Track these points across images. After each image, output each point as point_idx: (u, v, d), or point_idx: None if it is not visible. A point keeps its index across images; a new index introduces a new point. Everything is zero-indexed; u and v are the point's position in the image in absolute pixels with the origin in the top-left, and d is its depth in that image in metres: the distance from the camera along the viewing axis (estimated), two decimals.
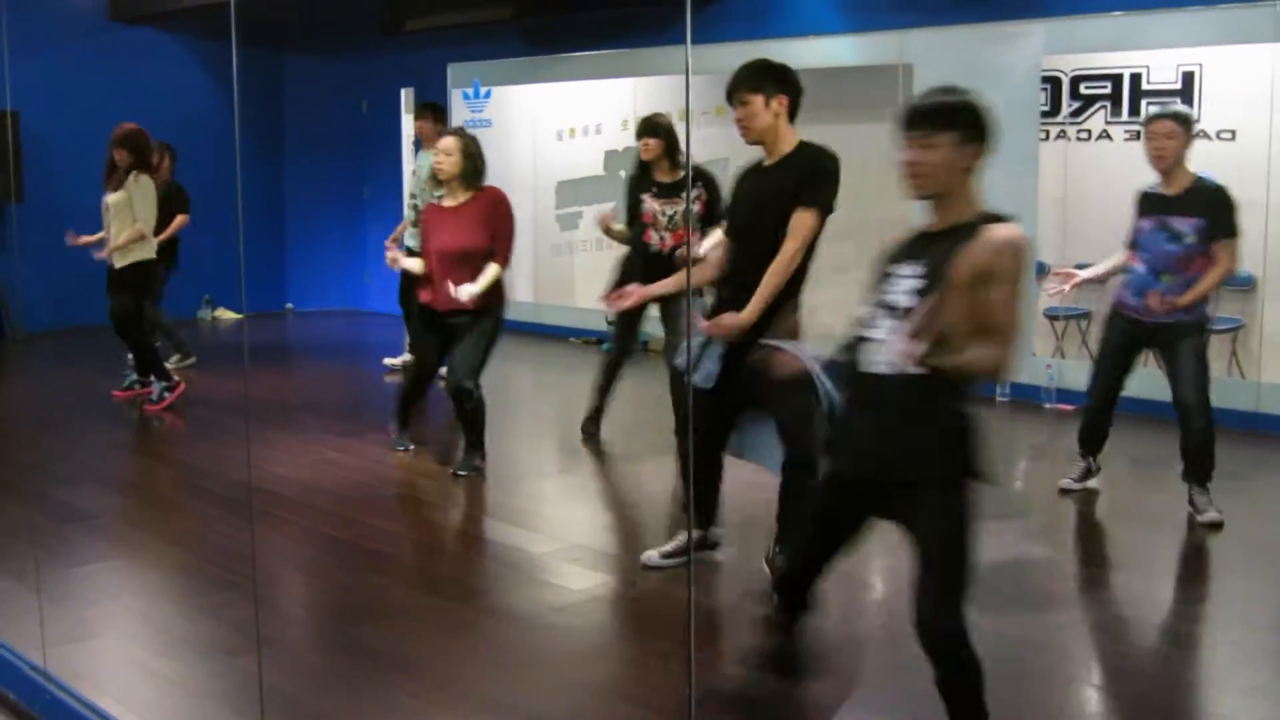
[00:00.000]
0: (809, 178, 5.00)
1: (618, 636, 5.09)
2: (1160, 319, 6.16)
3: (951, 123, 3.49)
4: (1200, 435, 6.28)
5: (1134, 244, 6.31)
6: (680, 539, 5.56)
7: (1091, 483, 6.80)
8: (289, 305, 14.90)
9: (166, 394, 8.91)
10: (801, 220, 4.98)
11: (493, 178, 7.14)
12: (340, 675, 4.45)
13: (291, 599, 5.40)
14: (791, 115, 5.11)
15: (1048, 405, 8.96)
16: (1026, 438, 8.49)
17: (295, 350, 12.71)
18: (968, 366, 3.37)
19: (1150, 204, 6.25)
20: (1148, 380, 7.22)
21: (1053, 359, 9.36)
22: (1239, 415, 8.36)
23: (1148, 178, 6.29)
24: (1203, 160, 7.93)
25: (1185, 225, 6.09)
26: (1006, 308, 3.37)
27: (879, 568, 5.51)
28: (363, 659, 4.56)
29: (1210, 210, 6.09)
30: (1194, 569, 5.94)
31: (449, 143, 6.93)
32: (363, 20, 13.65)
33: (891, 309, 3.49)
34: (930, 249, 3.49)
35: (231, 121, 11.27)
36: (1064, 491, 6.79)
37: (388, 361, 10.73)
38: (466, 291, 6.78)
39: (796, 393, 4.76)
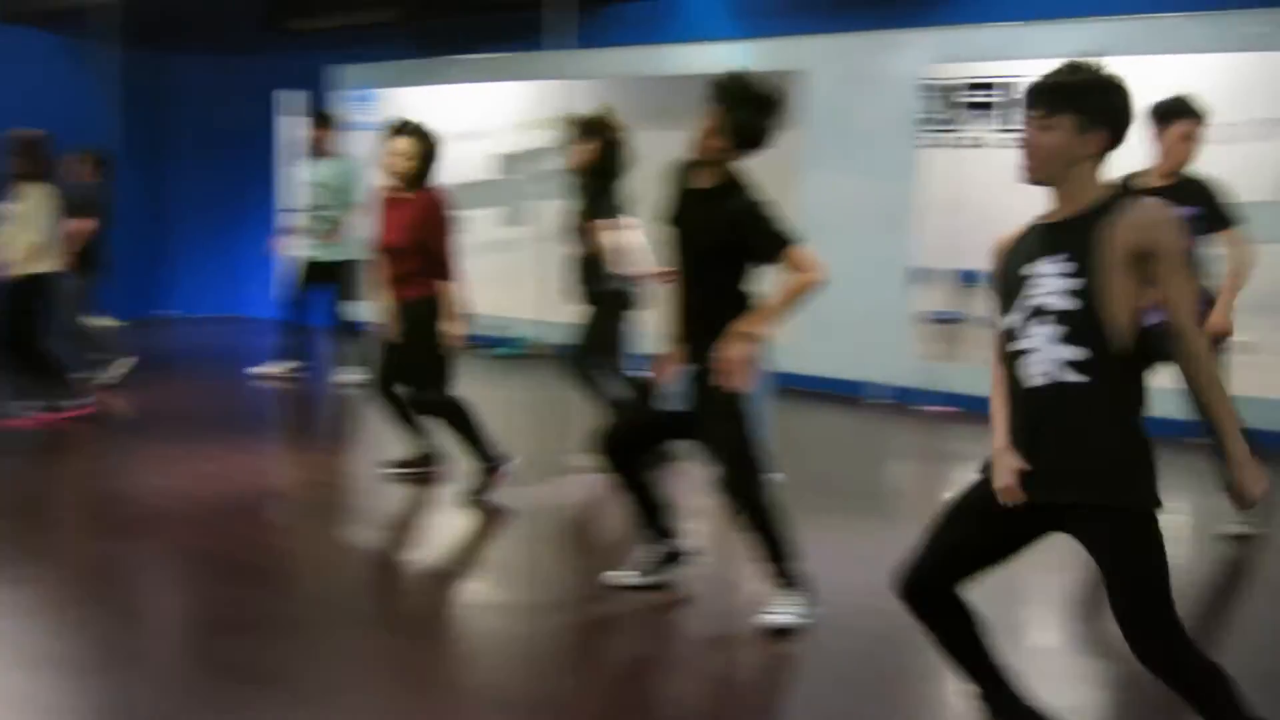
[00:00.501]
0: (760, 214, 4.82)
1: (498, 646, 5.01)
2: None
3: (1073, 104, 3.18)
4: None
5: None
6: (643, 557, 5.35)
7: None
8: (170, 311, 14.57)
9: (54, 410, 8.52)
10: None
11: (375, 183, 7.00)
12: (207, 690, 4.29)
13: (161, 613, 5.23)
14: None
15: (928, 409, 9.07)
16: (903, 439, 8.57)
17: (176, 357, 12.41)
18: (1199, 358, 3.14)
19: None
20: None
21: (936, 363, 9.44)
22: None
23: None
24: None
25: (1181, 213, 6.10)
26: (1185, 288, 3.13)
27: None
28: (231, 673, 4.41)
29: (1205, 200, 6.05)
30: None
31: (405, 145, 6.74)
32: (250, 22, 13.42)
33: (1042, 313, 3.20)
34: (1069, 239, 3.19)
35: (109, 122, 11.01)
36: None
37: (256, 370, 10.49)
38: (452, 332, 6.67)
39: (730, 416, 4.74)
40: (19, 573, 5.63)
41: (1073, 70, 3.21)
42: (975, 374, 7.54)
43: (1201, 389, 3.17)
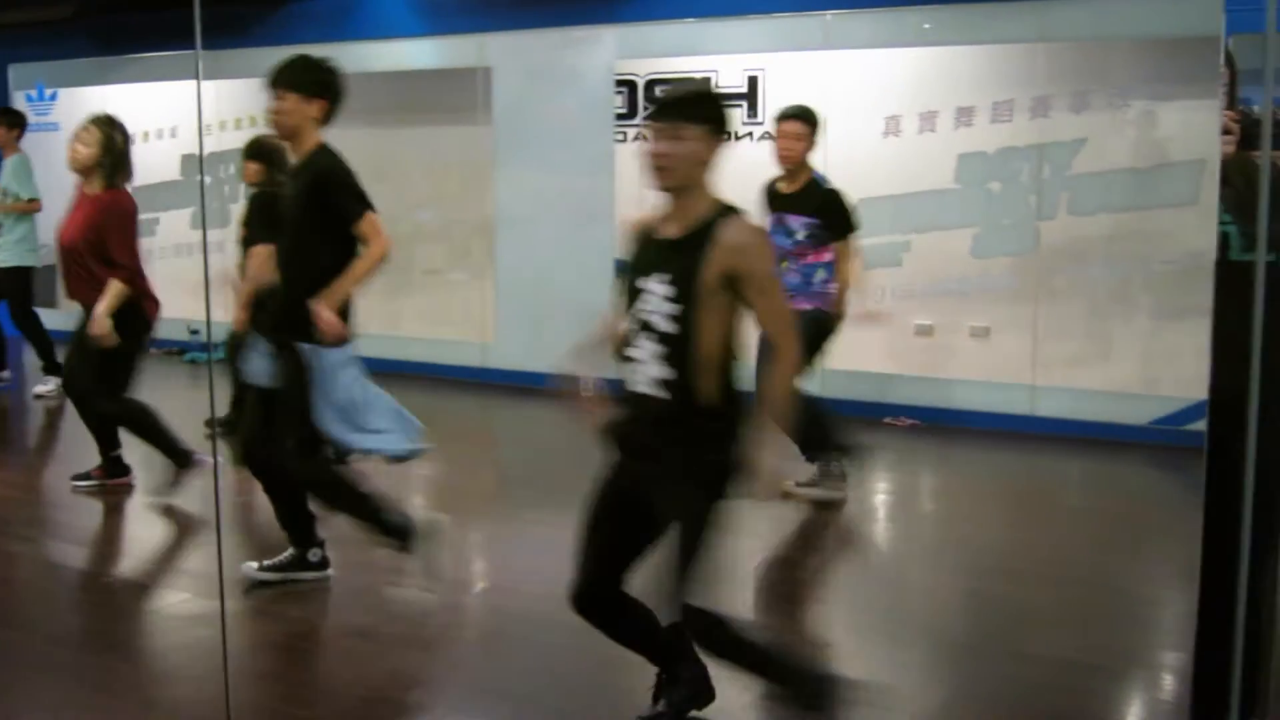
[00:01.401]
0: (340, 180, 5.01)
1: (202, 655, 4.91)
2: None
3: (700, 114, 3.46)
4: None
5: None
6: (284, 555, 5.40)
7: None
8: None
9: None
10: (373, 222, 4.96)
11: (62, 183, 6.71)
12: None
13: None
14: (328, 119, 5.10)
15: None
16: None
17: None
18: (786, 384, 3.48)
19: (771, 201, 6.60)
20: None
21: None
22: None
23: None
24: (768, 160, 8.36)
25: (796, 223, 6.45)
26: (774, 306, 3.47)
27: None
28: None
29: (828, 210, 6.48)
30: (766, 550, 6.21)
31: (90, 131, 6.52)
32: None
33: (648, 328, 3.47)
34: (674, 260, 3.45)
35: None
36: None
37: (40, 390, 9.81)
38: (100, 329, 6.35)
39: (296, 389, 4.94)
40: None
41: (694, 85, 3.64)
42: None
43: (778, 397, 3.50)
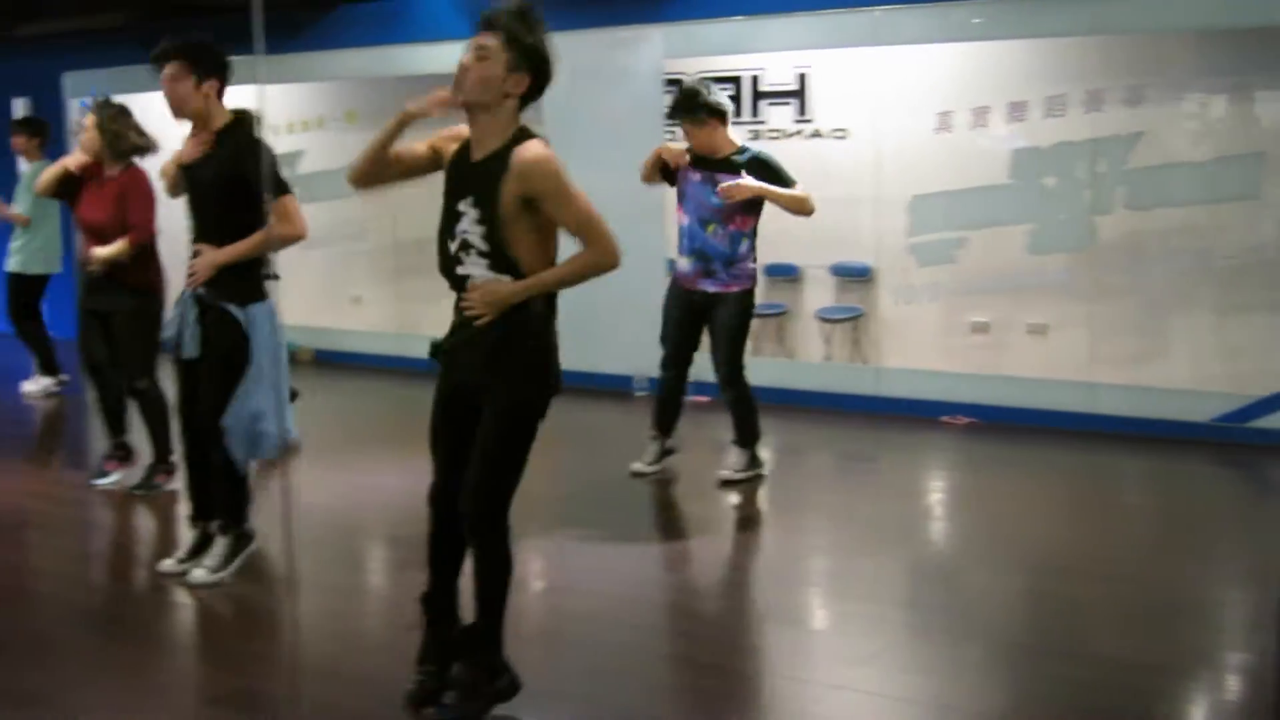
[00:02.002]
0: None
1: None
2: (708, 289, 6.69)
3: (502, 27, 3.73)
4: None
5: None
6: (192, 542, 5.59)
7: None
8: None
9: None
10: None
11: None
12: None
13: None
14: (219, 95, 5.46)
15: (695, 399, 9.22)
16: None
17: None
18: (578, 278, 3.80)
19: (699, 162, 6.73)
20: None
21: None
22: (861, 399, 8.83)
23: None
24: (818, 158, 8.34)
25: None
26: (576, 211, 3.74)
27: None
28: None
29: (757, 169, 6.60)
30: (825, 546, 6.18)
31: (88, 118, 6.87)
32: None
33: (468, 246, 3.76)
34: (477, 184, 3.73)
35: None
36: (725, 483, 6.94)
37: (27, 388, 10.05)
38: (97, 255, 6.53)
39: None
40: None
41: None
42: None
43: (565, 271, 3.83)
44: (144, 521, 6.67)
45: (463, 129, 3.87)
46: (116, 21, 11.89)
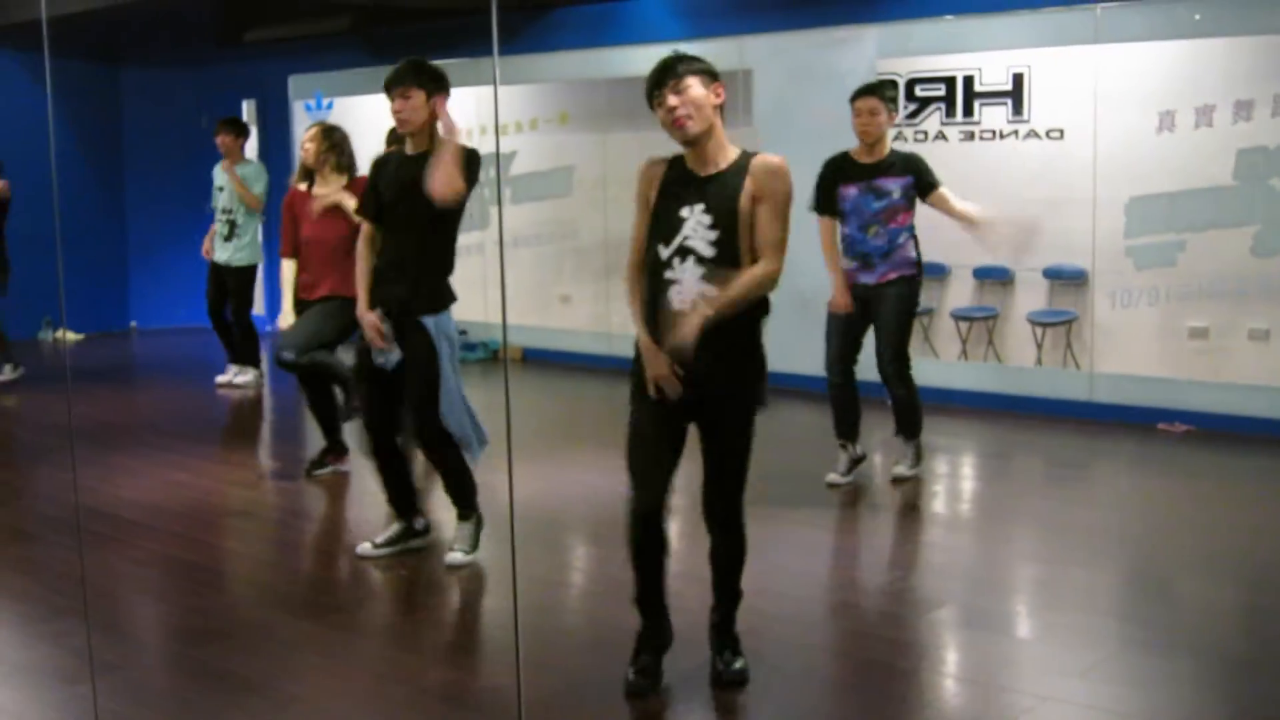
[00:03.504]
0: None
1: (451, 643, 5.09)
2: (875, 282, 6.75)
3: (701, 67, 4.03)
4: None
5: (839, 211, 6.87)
6: (392, 530, 5.87)
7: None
8: (133, 323, 14.55)
9: None
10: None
11: None
12: (183, 698, 4.38)
13: (136, 623, 5.30)
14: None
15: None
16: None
17: (138, 369, 12.45)
18: (753, 294, 3.98)
19: (852, 171, 6.82)
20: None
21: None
22: (1073, 405, 8.67)
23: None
24: (1032, 159, 8.22)
25: (892, 184, 6.66)
26: (779, 226, 3.99)
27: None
28: (207, 681, 4.49)
29: (912, 170, 6.71)
30: (1034, 554, 6.10)
31: (313, 131, 7.13)
32: (201, 32, 13.43)
33: (686, 251, 3.99)
34: (712, 191, 4.01)
35: (62, 137, 10.99)
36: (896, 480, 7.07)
37: (221, 380, 10.56)
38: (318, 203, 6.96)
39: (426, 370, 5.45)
40: None
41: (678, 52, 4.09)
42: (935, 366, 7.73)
43: (738, 287, 3.95)
44: (354, 512, 6.93)
45: (653, 166, 4.16)
46: (341, 26, 12.32)
